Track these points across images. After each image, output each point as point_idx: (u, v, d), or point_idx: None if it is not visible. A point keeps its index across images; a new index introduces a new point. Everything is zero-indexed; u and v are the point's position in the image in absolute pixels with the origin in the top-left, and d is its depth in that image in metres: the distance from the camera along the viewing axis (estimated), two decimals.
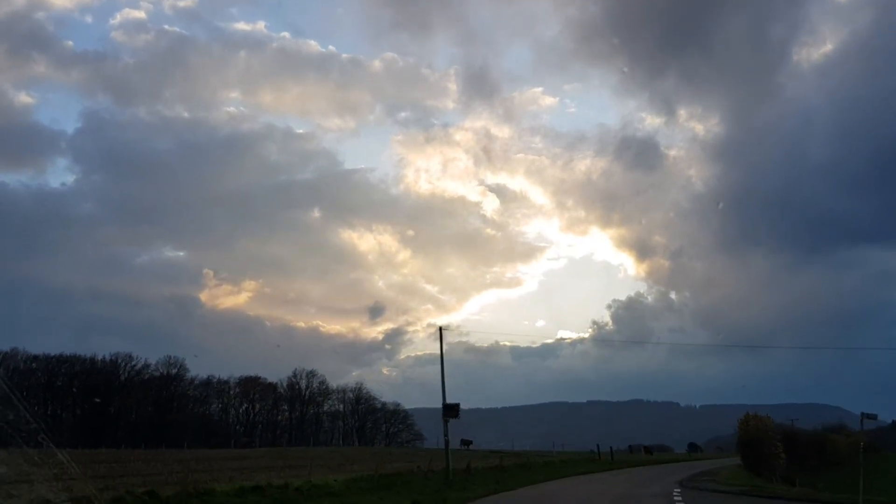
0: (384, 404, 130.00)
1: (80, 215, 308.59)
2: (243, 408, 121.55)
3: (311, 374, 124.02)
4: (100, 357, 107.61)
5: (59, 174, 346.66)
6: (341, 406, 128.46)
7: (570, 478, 37.98)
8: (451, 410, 31.54)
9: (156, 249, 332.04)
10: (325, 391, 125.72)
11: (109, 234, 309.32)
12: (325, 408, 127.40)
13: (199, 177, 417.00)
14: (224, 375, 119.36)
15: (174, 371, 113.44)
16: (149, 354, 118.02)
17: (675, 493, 26.16)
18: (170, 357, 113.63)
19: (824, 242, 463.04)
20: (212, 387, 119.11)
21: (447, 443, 32.12)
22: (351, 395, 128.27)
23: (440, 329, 31.99)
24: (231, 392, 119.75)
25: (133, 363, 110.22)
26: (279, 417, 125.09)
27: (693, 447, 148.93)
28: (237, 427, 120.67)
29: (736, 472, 43.17)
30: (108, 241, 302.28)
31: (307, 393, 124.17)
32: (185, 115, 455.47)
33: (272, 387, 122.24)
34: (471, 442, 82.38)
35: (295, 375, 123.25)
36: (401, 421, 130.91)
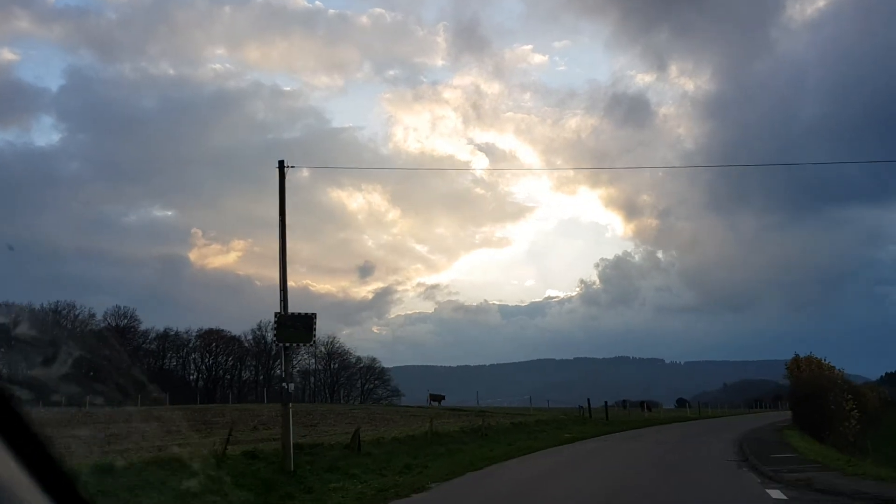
0: (359, 359, 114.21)
1: (67, 174, 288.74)
2: (204, 363, 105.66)
3: None
4: (38, 305, 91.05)
5: (45, 132, 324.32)
6: (312, 361, 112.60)
7: (546, 451, 21.84)
8: (295, 325, 14.93)
9: (143, 209, 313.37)
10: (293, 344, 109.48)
11: (96, 193, 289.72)
12: (295, 363, 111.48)
13: (186, 135, 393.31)
14: (182, 328, 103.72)
15: (123, 322, 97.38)
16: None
17: None
18: (118, 307, 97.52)
19: (814, 201, 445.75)
20: (169, 340, 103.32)
21: (286, 395, 15.07)
22: (323, 350, 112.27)
23: (280, 165, 15.43)
24: (190, 345, 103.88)
25: (76, 312, 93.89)
26: (244, 374, 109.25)
27: (682, 403, 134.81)
28: (198, 383, 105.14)
29: (800, 437, 27.06)
30: (95, 200, 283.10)
31: (273, 346, 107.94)
32: (171, 72, 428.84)
33: (235, 340, 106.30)
34: (443, 398, 66.24)
35: (260, 328, 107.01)
36: (377, 377, 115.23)
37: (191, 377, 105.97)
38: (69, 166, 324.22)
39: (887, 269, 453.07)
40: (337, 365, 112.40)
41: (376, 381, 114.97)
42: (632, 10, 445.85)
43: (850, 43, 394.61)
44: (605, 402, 45.15)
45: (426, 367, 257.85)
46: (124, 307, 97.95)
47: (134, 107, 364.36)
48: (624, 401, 79.55)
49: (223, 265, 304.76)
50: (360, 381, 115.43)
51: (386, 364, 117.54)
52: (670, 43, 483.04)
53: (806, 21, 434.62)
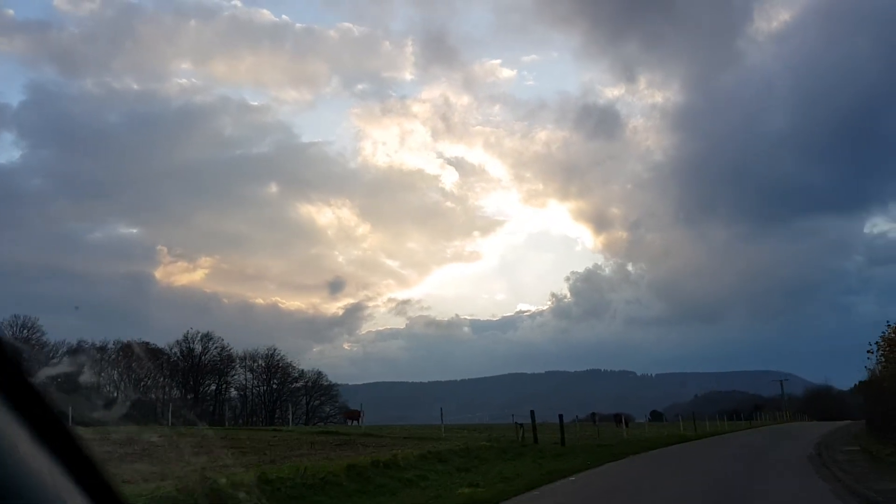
0: (302, 373, 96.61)
1: (29, 191, 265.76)
2: (123, 380, 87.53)
3: (208, 338, 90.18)
4: None
5: (5, 149, 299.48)
6: (250, 376, 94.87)
7: None
8: None
9: (109, 226, 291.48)
10: (227, 359, 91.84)
11: (60, 210, 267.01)
12: (229, 378, 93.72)
13: (152, 151, 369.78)
14: (98, 339, 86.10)
15: (23, 334, 79.28)
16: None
17: None
18: (16, 317, 79.19)
19: (781, 212, 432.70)
20: (85, 353, 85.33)
21: None
22: (262, 364, 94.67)
23: None
24: (106, 360, 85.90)
25: None
26: (173, 391, 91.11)
27: (656, 416, 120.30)
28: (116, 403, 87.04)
29: None
30: (59, 217, 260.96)
31: (204, 360, 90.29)
32: (135, 86, 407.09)
33: (160, 352, 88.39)
34: (359, 414, 49.26)
35: (187, 340, 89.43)
36: (323, 393, 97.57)
37: (113, 395, 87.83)
38: (31, 183, 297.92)
39: (854, 279, 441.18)
40: (277, 381, 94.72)
41: (323, 398, 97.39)
42: (601, 21, 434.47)
43: (816, 54, 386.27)
44: (560, 417, 28.31)
45: (397, 383, 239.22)
46: (24, 316, 79.48)
47: (98, 122, 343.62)
48: (593, 414, 62.36)
49: (190, 282, 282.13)
50: (304, 399, 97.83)
51: (357, 381, 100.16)
52: (639, 55, 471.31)
53: (773, 33, 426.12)
